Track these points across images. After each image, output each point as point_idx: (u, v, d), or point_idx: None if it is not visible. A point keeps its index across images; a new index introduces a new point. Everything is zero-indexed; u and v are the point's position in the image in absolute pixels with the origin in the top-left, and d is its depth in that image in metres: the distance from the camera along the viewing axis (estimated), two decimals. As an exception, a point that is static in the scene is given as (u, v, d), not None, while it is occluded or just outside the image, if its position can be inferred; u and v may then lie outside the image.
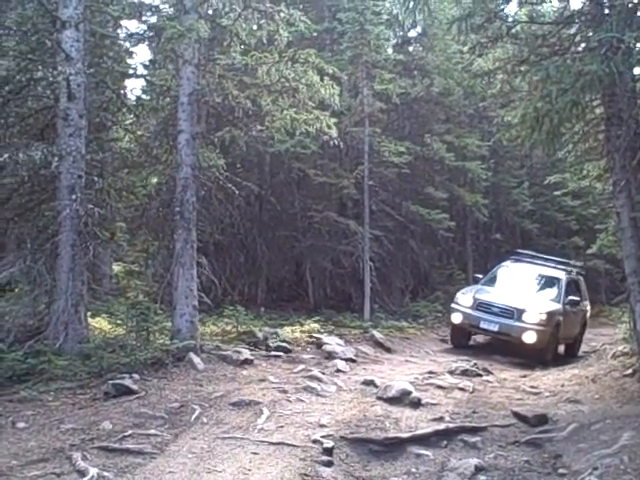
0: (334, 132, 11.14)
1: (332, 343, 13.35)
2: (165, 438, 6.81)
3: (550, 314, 14.37)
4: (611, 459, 5.88)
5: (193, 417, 7.60)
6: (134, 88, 12.39)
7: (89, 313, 12.09)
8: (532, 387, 10.81)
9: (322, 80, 11.32)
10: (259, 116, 10.84)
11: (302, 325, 14.82)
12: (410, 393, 8.74)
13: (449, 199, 21.18)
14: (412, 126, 20.83)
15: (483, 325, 14.57)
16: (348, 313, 17.64)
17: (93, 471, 5.63)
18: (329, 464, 6.37)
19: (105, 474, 5.69)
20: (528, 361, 13.82)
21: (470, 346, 15.57)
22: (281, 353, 12.11)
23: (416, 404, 8.54)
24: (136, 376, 8.86)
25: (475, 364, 12.09)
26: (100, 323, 12.23)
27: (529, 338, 14.06)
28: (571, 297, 15.31)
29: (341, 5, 17.67)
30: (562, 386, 10.74)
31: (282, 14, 11.36)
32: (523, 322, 14.13)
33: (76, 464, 5.82)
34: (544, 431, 7.45)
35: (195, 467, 6.02)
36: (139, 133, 11.76)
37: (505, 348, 14.59)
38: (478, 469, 6.24)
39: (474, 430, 7.45)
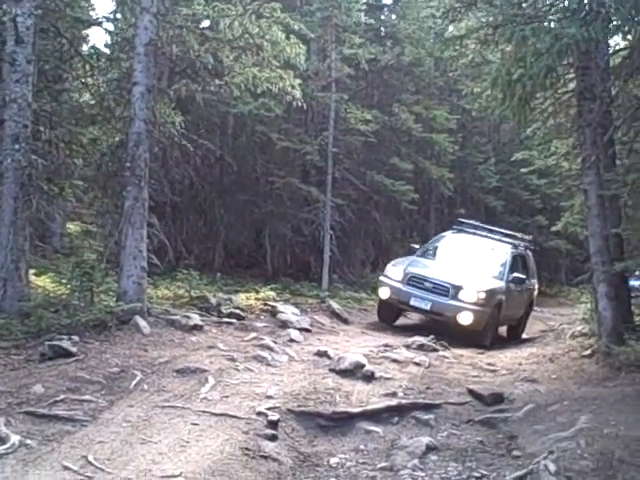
0: (298, 93, 10.64)
1: (287, 312, 12.98)
2: (100, 405, 6.37)
3: (490, 293, 12.94)
4: (568, 442, 5.60)
5: (133, 383, 7.17)
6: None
7: (33, 271, 11.59)
8: (489, 364, 10.59)
9: (288, 39, 10.82)
10: (219, 72, 10.28)
11: (257, 292, 14.44)
12: (363, 366, 8.41)
13: (414, 171, 20.91)
14: (381, 95, 20.41)
15: (414, 302, 12.98)
16: (306, 282, 17.31)
17: (15, 438, 5.18)
18: (273, 438, 6.00)
19: (28, 442, 5.24)
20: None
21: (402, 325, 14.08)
22: (234, 320, 11.70)
23: (369, 377, 8.22)
24: (75, 338, 8.36)
25: (433, 338, 11.80)
26: (44, 282, 11.71)
27: (465, 319, 12.58)
28: (516, 274, 13.91)
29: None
30: (519, 364, 10.54)
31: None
32: (459, 301, 12.63)
33: (-2, 430, 5.37)
34: (499, 410, 7.17)
35: (129, 437, 5.60)
36: (92, 84, 11.09)
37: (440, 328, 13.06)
38: (429, 448, 5.93)
39: (427, 407, 7.15)
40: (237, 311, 12.32)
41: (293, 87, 10.50)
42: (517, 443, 6.18)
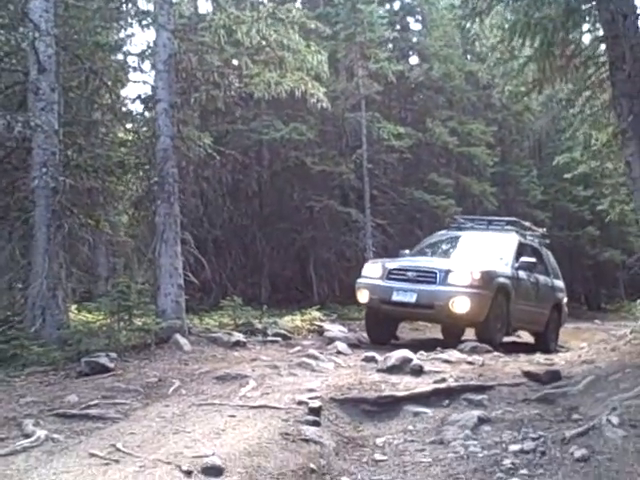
0: (321, 94, 10.52)
1: (334, 330, 12.64)
2: (133, 406, 6.13)
3: (488, 274, 10.77)
4: (631, 400, 5.16)
5: (171, 389, 6.91)
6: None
7: (74, 306, 11.54)
8: (547, 359, 10.04)
9: (308, 47, 10.75)
10: (239, 75, 10.23)
11: (303, 315, 14.15)
12: (411, 360, 8.00)
13: (456, 187, 20.53)
14: (413, 112, 20.23)
15: (396, 297, 10.75)
16: (354, 306, 16.93)
17: (41, 433, 4.96)
18: (315, 424, 5.63)
19: (55, 436, 5.01)
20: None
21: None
22: (279, 339, 11.42)
23: (418, 372, 7.78)
24: (113, 355, 8.17)
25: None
26: (85, 315, 11.62)
27: (460, 306, 10.35)
28: (525, 258, 11.86)
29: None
30: (579, 356, 9.98)
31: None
32: (450, 285, 10.48)
33: (25, 429, 5.15)
34: (557, 387, 6.70)
35: (161, 429, 5.31)
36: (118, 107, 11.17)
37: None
38: (482, 420, 5.52)
39: (480, 389, 6.71)
40: (282, 332, 12.04)
41: (316, 88, 10.37)
42: (578, 411, 5.72)
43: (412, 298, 10.68)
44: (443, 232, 13.55)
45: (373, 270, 11.45)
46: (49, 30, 9.43)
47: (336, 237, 17.61)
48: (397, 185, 18.72)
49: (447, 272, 10.59)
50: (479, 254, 11.86)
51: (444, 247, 12.68)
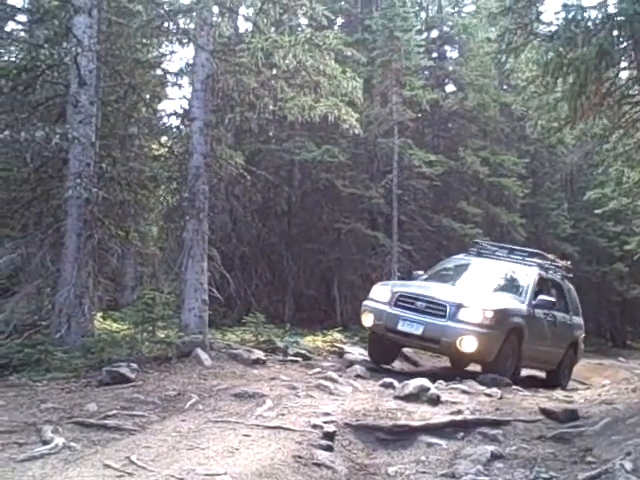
0: (354, 120, 10.61)
1: (355, 353, 12.63)
2: (151, 419, 6.23)
3: (502, 313, 10.20)
4: (647, 446, 5.12)
5: (188, 404, 7.00)
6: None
7: (100, 314, 11.71)
8: (566, 396, 9.98)
9: (344, 73, 10.87)
10: (274, 97, 10.36)
11: (325, 335, 14.19)
12: (428, 389, 7.99)
13: (485, 217, 20.51)
14: (445, 140, 20.29)
15: (402, 327, 10.22)
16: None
17: (59, 440, 5.08)
18: (328, 448, 5.69)
19: (72, 444, 5.13)
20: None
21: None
22: (299, 359, 11.45)
23: (435, 401, 7.78)
24: (134, 365, 8.28)
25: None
26: (110, 324, 11.78)
27: (468, 345, 9.85)
28: (543, 297, 11.15)
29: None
30: (599, 395, 9.90)
31: (304, 8, 10.99)
32: (459, 322, 9.91)
33: (43, 435, 5.27)
34: (574, 426, 6.65)
35: (176, 444, 5.40)
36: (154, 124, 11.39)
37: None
38: (495, 456, 5.52)
39: (495, 423, 6.69)
40: (303, 352, 12.06)
41: (349, 114, 10.48)
42: (592, 454, 5.68)
43: (418, 330, 10.18)
44: (461, 256, 12.93)
45: (381, 294, 10.89)
46: (91, 46, 9.68)
47: (362, 260, 17.68)
48: (426, 212, 18.76)
49: (458, 307, 10.01)
50: (495, 286, 11.41)
51: (460, 274, 11.96)
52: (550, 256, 13.15)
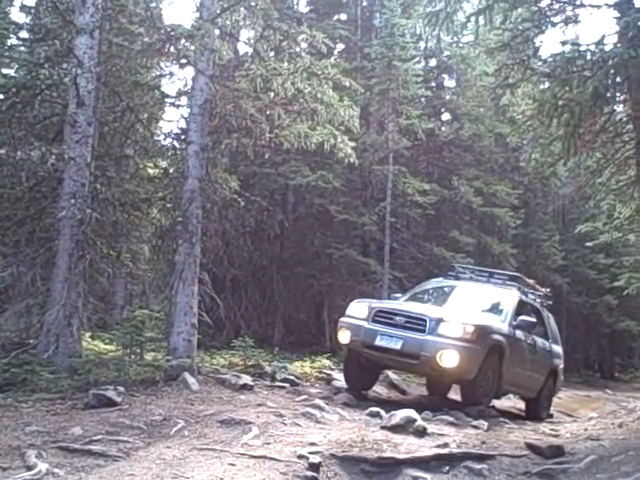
0: (349, 149, 10.69)
1: (342, 380, 12.61)
2: (136, 445, 6.20)
3: (483, 329, 9.96)
4: (631, 486, 5.14)
5: (174, 430, 6.97)
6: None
7: (88, 334, 11.67)
8: (552, 430, 9.99)
9: (341, 100, 10.96)
10: (270, 126, 10.44)
11: (313, 361, 14.17)
12: (415, 421, 7.98)
13: (476, 247, 20.60)
14: (440, 169, 20.41)
15: (380, 342, 9.91)
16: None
17: (42, 466, 5.06)
18: (313, 480, 5.69)
19: (56, 471, 5.11)
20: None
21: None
22: (286, 385, 11.44)
23: (421, 432, 7.77)
24: (121, 389, 8.25)
25: (493, 406, 11.22)
26: (98, 345, 11.74)
27: (448, 360, 9.55)
28: (524, 317, 11.01)
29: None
30: (585, 430, 9.91)
31: (303, 35, 11.11)
32: (440, 336, 9.65)
33: (27, 460, 5.25)
34: (559, 462, 6.66)
35: (161, 472, 5.38)
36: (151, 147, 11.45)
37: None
38: (479, 492, 5.52)
39: (481, 457, 6.69)
40: (291, 377, 12.05)
41: (345, 143, 10.56)
42: (577, 492, 5.70)
43: (397, 345, 9.85)
44: (439, 280, 12.75)
45: (358, 310, 10.56)
46: (91, 67, 9.76)
47: (353, 286, 17.68)
48: (418, 240, 18.84)
49: (438, 321, 9.78)
50: (475, 306, 11.17)
51: (438, 295, 11.87)
52: (530, 281, 12.99)
